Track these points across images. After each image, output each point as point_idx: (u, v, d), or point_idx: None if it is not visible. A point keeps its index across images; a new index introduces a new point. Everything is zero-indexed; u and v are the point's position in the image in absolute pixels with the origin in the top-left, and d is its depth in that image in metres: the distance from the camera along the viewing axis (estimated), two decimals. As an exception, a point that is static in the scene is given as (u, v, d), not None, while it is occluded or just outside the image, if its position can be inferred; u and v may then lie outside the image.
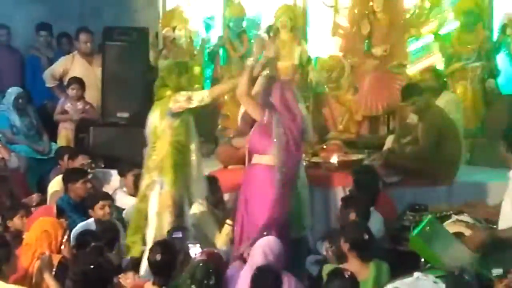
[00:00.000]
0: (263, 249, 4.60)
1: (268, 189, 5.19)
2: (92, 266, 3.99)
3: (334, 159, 6.82)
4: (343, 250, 4.58)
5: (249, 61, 5.49)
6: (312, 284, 4.86)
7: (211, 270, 4.10)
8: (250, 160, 5.47)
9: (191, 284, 4.03)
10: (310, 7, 8.44)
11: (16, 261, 4.58)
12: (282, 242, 4.81)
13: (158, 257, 4.44)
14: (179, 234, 5.06)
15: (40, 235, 4.81)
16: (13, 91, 8.04)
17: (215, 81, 8.31)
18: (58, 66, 8.41)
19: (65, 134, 7.94)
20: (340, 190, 6.34)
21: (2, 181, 6.66)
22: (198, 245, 4.91)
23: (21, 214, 5.75)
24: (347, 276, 3.99)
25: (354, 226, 4.83)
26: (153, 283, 4.41)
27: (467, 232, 4.67)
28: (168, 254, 4.46)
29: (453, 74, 7.70)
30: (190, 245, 4.89)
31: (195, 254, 4.76)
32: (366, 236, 4.56)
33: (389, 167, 6.59)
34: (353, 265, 4.43)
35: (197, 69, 7.88)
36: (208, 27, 8.60)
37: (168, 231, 5.23)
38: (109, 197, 5.96)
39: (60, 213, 5.52)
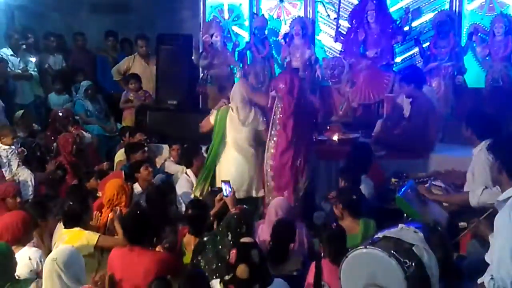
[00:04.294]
0: (275, 208, 4.64)
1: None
2: (137, 213, 4.06)
3: (335, 137, 6.82)
4: (339, 209, 4.58)
5: None
6: (316, 232, 4.86)
7: (242, 221, 4.07)
8: None
9: (227, 232, 4.02)
10: (318, 18, 8.36)
11: (91, 213, 4.66)
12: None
13: (190, 211, 4.50)
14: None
15: (119, 190, 4.87)
16: (84, 84, 8.10)
17: (243, 76, 8.28)
18: (122, 64, 8.45)
19: (128, 117, 7.97)
20: (340, 162, 6.32)
21: (80, 153, 6.73)
22: (229, 183, 4.87)
23: (95, 177, 5.83)
24: (333, 227, 3.99)
25: (345, 190, 4.80)
26: (189, 232, 4.46)
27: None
28: (197, 209, 4.51)
29: (430, 71, 7.63)
30: (222, 183, 4.87)
31: (227, 191, 4.77)
32: (354, 197, 4.54)
33: (378, 144, 6.58)
34: (346, 221, 4.42)
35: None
36: (238, 34, 8.56)
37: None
38: (148, 162, 5.97)
39: (126, 178, 5.55)
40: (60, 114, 7.27)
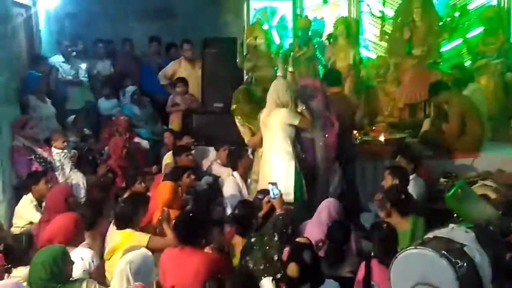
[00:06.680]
0: (328, 208, 4.63)
1: None
2: (189, 214, 4.16)
3: (381, 138, 6.77)
4: (387, 207, 4.55)
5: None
6: (365, 232, 4.82)
7: (288, 222, 4.12)
8: None
9: (273, 233, 4.05)
10: (362, 18, 8.30)
11: (142, 214, 4.73)
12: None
13: (237, 212, 4.55)
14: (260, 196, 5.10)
15: (174, 192, 5.00)
16: (130, 89, 8.25)
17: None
18: (169, 69, 8.54)
19: (175, 120, 8.05)
20: (386, 161, 6.25)
21: (130, 156, 6.83)
22: (276, 185, 4.83)
23: (140, 180, 5.84)
24: (384, 226, 3.97)
25: (393, 188, 4.78)
26: (236, 232, 4.52)
27: (491, 194, 4.58)
28: (245, 209, 4.57)
29: (478, 69, 7.47)
30: (269, 185, 4.83)
31: (274, 194, 4.74)
32: (403, 196, 4.51)
33: (425, 144, 6.50)
34: (394, 219, 4.42)
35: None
36: (281, 36, 8.57)
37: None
38: (191, 168, 5.85)
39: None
40: (122, 119, 7.34)
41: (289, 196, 5.21)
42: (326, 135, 5.48)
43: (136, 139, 7.34)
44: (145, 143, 7.37)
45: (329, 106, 5.58)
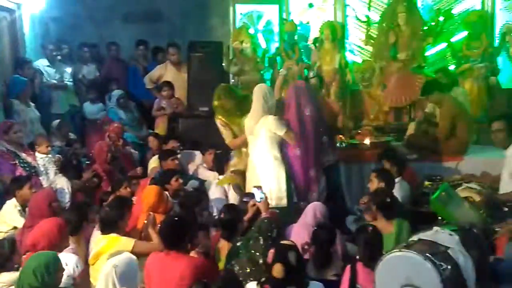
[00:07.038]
0: (314, 211, 4.63)
1: None
2: (174, 218, 4.13)
3: (367, 141, 6.80)
4: (372, 210, 4.57)
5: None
6: (350, 236, 4.83)
7: (273, 225, 4.11)
8: None
9: (258, 236, 4.05)
10: (348, 22, 8.34)
11: (127, 219, 4.69)
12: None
13: (223, 216, 4.55)
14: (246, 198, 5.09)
15: (159, 196, 4.96)
16: (116, 93, 8.20)
17: (273, 81, 8.30)
18: (155, 72, 8.51)
19: (161, 124, 8.02)
20: (372, 164, 6.28)
21: (115, 161, 6.79)
22: (261, 188, 4.83)
23: (125, 185, 5.79)
24: (369, 230, 3.98)
25: (380, 192, 4.79)
26: (221, 236, 4.50)
27: (476, 196, 4.62)
28: (230, 213, 4.56)
29: (462, 73, 7.53)
30: (254, 189, 4.83)
31: (259, 196, 4.74)
32: (389, 199, 4.53)
33: (410, 147, 6.54)
34: (380, 222, 4.42)
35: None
36: (267, 41, 8.59)
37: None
38: (178, 172, 5.83)
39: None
40: (116, 126, 7.18)
41: (282, 201, 5.21)
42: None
43: (128, 147, 7.29)
44: (135, 154, 7.32)
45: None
